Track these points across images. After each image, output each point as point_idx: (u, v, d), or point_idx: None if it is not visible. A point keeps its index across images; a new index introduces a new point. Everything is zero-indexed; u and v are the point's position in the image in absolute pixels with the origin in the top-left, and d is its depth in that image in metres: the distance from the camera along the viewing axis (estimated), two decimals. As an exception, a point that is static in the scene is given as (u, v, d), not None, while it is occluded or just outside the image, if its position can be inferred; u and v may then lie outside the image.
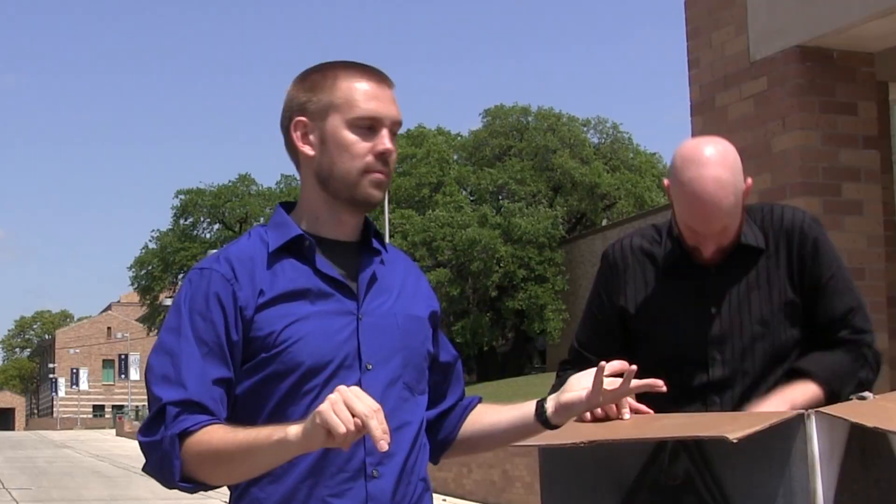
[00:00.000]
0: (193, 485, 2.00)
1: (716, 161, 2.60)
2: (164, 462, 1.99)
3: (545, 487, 2.45)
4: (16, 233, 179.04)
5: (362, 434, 1.81)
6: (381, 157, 2.10)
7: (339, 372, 2.07)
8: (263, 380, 2.07)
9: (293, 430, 1.88)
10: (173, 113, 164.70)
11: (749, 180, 2.64)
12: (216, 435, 1.97)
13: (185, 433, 1.97)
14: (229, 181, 57.73)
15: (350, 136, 2.10)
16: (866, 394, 2.42)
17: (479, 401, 2.35)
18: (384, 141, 2.11)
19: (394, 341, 2.13)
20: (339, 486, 2.05)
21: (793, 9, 5.74)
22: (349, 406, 1.81)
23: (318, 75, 2.15)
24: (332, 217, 2.15)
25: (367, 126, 2.10)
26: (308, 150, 2.14)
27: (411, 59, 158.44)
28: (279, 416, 2.05)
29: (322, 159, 2.13)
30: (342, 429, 1.79)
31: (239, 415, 2.06)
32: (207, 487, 2.02)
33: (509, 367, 42.27)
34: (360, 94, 2.11)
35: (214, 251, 2.21)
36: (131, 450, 41.06)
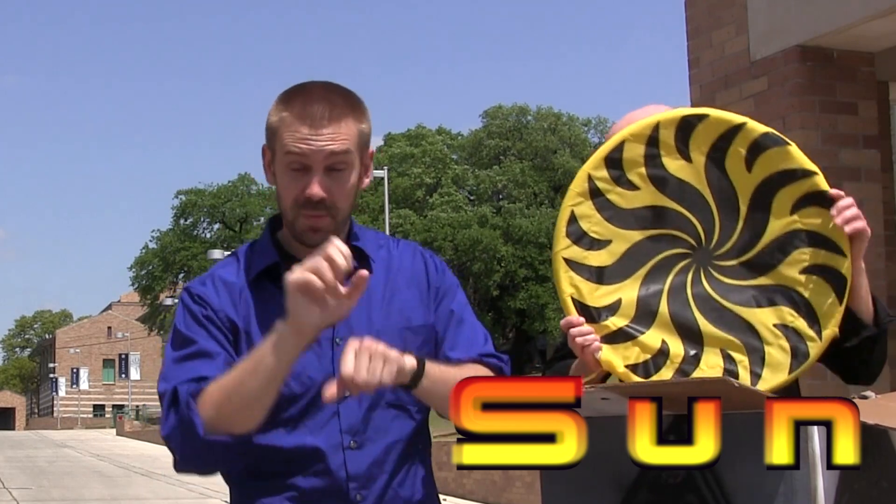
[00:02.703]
0: (217, 439, 1.98)
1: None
2: (187, 431, 1.97)
3: (545, 486, 2.45)
4: (16, 233, 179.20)
5: (335, 274, 1.86)
6: (308, 201, 2.07)
7: (316, 401, 2.08)
8: None
9: (279, 322, 1.93)
10: (173, 113, 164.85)
11: None
12: (220, 377, 1.99)
13: (198, 392, 1.99)
14: (229, 181, 57.89)
15: (284, 178, 2.11)
16: (867, 392, 2.43)
17: None
18: (311, 185, 2.07)
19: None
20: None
21: (793, 9, 5.74)
22: (307, 267, 1.87)
23: (277, 106, 2.14)
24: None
25: (297, 168, 2.09)
26: (270, 178, 2.17)
27: (412, 59, 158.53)
28: (264, 439, 2.08)
29: (277, 192, 2.17)
30: (311, 276, 1.85)
31: None
32: (230, 443, 1.99)
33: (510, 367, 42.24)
34: (289, 135, 2.08)
35: (227, 256, 2.24)
36: (131, 449, 41.07)
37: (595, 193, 2.48)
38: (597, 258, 2.47)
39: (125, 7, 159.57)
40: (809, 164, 2.44)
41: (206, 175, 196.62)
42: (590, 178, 2.48)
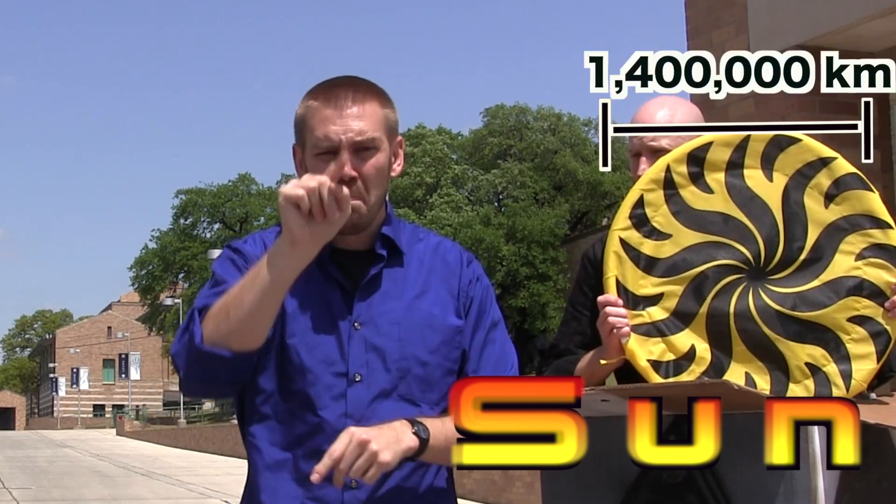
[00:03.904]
0: (214, 350, 2.02)
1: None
2: (188, 341, 2.03)
3: (546, 486, 2.45)
4: (16, 233, 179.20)
5: (325, 197, 1.93)
6: (340, 181, 2.07)
7: (323, 378, 2.11)
8: (256, 370, 2.14)
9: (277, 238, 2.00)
10: (173, 113, 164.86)
11: None
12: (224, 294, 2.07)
13: (205, 308, 2.06)
14: (229, 181, 57.72)
15: (316, 165, 2.13)
16: (867, 393, 2.43)
17: None
18: (342, 165, 2.09)
19: (389, 353, 2.13)
20: (320, 491, 2.10)
21: (793, 9, 5.74)
22: (301, 184, 1.95)
23: (303, 100, 2.19)
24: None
25: (327, 151, 2.12)
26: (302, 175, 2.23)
27: (412, 59, 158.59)
28: (278, 404, 2.13)
29: None
30: (300, 192, 1.92)
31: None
32: (227, 357, 2.03)
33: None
34: (316, 120, 2.14)
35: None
36: (131, 449, 41.09)
37: (669, 185, 2.48)
38: (651, 248, 2.47)
39: (126, 7, 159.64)
40: (888, 217, 2.43)
41: (206, 175, 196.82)
42: (668, 169, 2.48)
